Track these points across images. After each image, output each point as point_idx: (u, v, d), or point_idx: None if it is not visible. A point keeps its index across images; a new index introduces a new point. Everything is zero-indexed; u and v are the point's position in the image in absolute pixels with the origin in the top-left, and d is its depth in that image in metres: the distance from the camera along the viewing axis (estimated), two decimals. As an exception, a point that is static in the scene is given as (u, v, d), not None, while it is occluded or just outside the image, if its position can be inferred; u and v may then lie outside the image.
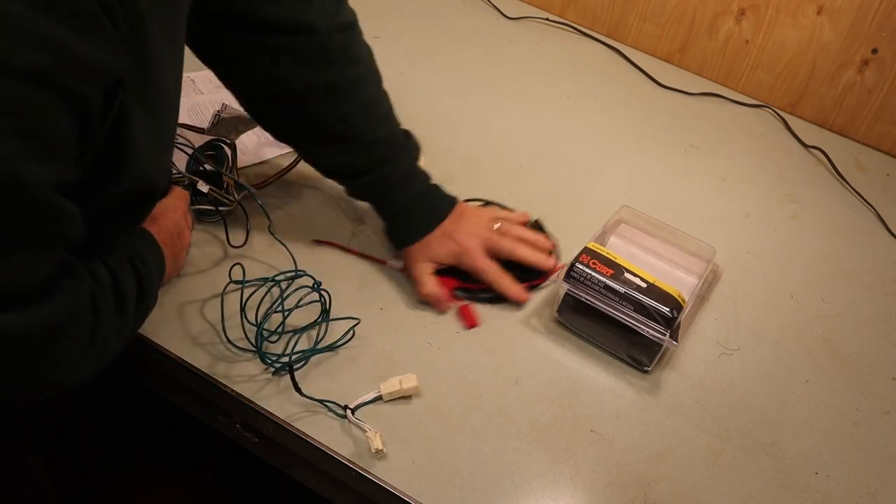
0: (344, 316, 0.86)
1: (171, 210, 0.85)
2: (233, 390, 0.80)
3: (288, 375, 0.79)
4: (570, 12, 1.46)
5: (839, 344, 0.96)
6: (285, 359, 0.82)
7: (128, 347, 0.84)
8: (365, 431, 0.77)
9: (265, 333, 0.83)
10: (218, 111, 1.03)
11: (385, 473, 0.75)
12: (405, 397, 0.81)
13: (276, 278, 0.88)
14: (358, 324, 0.85)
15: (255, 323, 0.84)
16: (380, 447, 0.75)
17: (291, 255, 0.89)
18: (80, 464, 1.30)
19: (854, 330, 0.98)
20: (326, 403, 0.79)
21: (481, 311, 0.91)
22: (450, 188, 1.07)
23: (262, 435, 0.84)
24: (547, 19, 1.46)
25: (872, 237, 1.13)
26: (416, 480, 0.75)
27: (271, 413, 0.78)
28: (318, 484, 0.89)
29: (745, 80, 1.35)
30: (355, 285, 0.92)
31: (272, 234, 0.90)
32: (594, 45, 1.43)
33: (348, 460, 0.76)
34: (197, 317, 0.86)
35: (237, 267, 0.86)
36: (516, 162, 1.14)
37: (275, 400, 0.80)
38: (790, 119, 1.32)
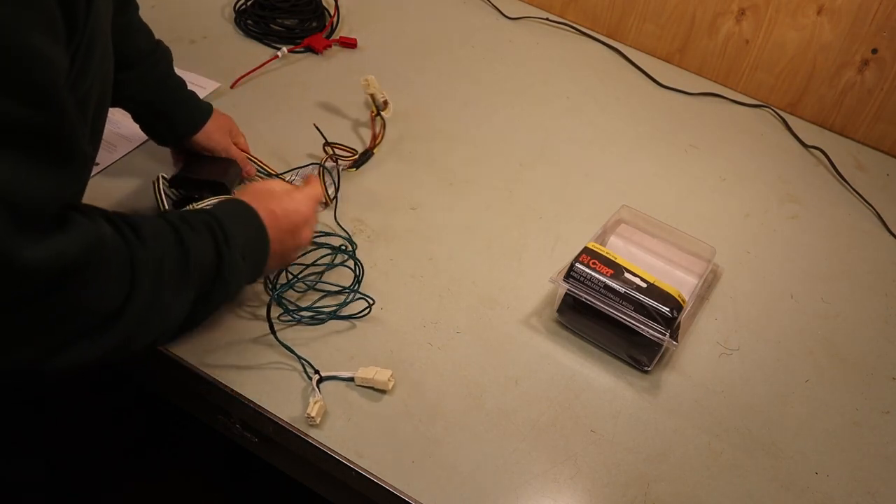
0: (366, 295, 0.89)
1: (294, 210, 0.81)
2: (232, 390, 0.80)
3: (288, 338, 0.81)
4: (570, 12, 1.46)
5: (839, 344, 0.96)
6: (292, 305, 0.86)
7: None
8: (312, 397, 0.78)
9: (290, 279, 0.90)
10: None
11: (385, 473, 0.75)
12: (380, 391, 0.81)
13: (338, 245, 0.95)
14: (374, 304, 0.88)
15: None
16: (313, 415, 0.76)
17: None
18: (80, 464, 1.30)
19: (854, 330, 0.98)
20: (303, 361, 0.81)
21: (485, 313, 0.92)
22: (450, 188, 1.07)
23: (262, 435, 0.84)
24: (547, 19, 1.46)
25: (872, 237, 1.13)
26: (416, 480, 0.75)
27: (272, 413, 0.78)
28: (318, 484, 0.89)
29: (745, 80, 1.35)
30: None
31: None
32: (594, 45, 1.43)
33: (345, 458, 0.76)
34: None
35: None
36: (516, 162, 1.14)
37: (252, 346, 0.82)
38: (790, 119, 1.32)
